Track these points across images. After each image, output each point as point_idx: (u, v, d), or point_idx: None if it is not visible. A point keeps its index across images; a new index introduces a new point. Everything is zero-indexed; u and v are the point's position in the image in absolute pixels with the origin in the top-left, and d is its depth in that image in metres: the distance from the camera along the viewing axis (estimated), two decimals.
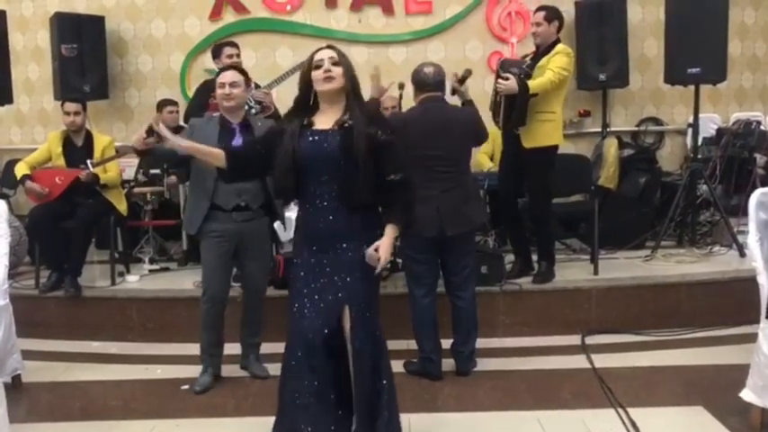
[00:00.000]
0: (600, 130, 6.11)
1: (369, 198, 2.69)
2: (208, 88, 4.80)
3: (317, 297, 2.69)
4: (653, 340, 4.28)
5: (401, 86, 4.83)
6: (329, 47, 2.81)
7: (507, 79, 4.26)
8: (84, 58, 6.07)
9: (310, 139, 2.71)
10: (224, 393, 3.65)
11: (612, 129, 6.18)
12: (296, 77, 2.95)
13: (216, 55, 5.05)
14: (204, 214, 3.65)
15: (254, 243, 3.74)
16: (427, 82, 3.78)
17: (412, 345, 3.89)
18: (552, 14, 4.53)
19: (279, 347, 2.89)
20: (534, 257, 4.76)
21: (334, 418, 2.68)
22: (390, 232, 2.68)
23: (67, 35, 6.00)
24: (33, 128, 6.69)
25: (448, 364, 3.85)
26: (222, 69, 3.87)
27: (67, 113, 4.88)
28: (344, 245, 2.71)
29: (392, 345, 4.06)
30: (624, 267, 4.96)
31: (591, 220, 4.95)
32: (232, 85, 3.66)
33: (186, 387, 3.78)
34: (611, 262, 5.08)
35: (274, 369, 3.25)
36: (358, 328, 2.66)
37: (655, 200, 5.86)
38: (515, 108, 4.32)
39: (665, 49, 5.44)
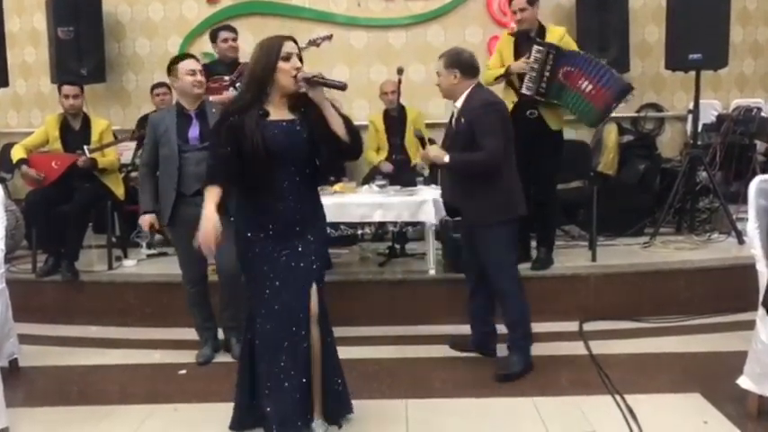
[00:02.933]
0: None
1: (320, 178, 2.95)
2: (207, 72, 4.78)
3: (277, 284, 2.79)
4: (651, 327, 4.28)
5: (400, 71, 4.80)
6: (290, 38, 2.79)
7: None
8: (81, 40, 6.02)
9: (276, 130, 2.73)
10: (221, 378, 3.64)
11: (612, 115, 6.12)
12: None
13: (213, 39, 5.03)
14: (172, 202, 3.70)
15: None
16: (476, 66, 3.62)
17: (408, 331, 3.89)
18: None
19: None
20: (532, 244, 4.75)
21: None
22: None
23: (64, 18, 5.94)
24: (30, 111, 6.65)
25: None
26: (180, 57, 3.84)
27: (66, 96, 4.85)
28: (306, 228, 2.83)
29: (393, 330, 4.11)
30: (623, 254, 4.96)
31: (590, 207, 4.93)
32: (202, 72, 3.77)
33: (183, 372, 3.78)
34: (610, 249, 5.08)
35: None
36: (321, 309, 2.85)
37: (654, 186, 5.84)
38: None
39: (666, 34, 5.40)
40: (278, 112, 2.78)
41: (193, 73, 3.72)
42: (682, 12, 5.16)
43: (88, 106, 5.29)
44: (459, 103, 3.48)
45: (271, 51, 2.73)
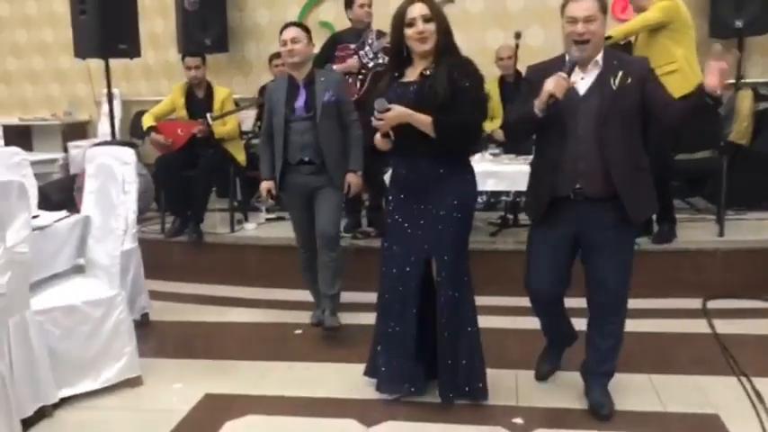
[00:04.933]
0: (734, 81, 5.67)
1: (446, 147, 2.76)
2: (334, 42, 4.85)
3: (408, 240, 2.87)
4: None
5: (518, 36, 4.67)
6: (421, 0, 2.76)
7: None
8: (206, 12, 6.27)
9: (397, 91, 2.79)
10: (334, 340, 3.74)
11: (748, 80, 5.72)
12: None
13: (349, 5, 4.99)
14: (280, 170, 3.76)
15: (321, 195, 3.73)
16: None
17: (522, 302, 3.83)
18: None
19: None
20: (653, 217, 4.54)
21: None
22: (421, 117, 2.71)
23: None
24: (159, 80, 7.02)
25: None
26: (285, 26, 3.80)
27: (188, 68, 5.07)
28: (431, 197, 2.81)
29: (505, 301, 4.06)
30: (754, 229, 4.66)
31: (719, 178, 4.65)
32: (293, 41, 3.67)
33: (300, 332, 3.92)
34: (740, 223, 4.78)
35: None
36: (445, 273, 2.83)
37: None
38: None
39: None
40: (411, 75, 2.83)
41: (284, 43, 3.69)
42: None
43: (212, 75, 5.50)
44: (599, 57, 2.66)
45: (397, 19, 2.78)
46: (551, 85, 2.50)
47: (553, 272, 2.82)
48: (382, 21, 5.21)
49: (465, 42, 6.17)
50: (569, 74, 2.52)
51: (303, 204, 3.80)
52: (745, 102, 5.49)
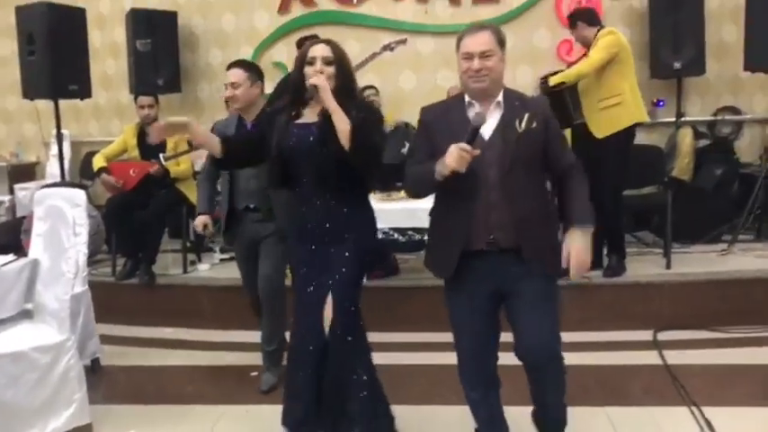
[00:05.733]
0: (674, 119, 5.90)
1: (351, 188, 2.72)
2: (287, 82, 4.87)
3: (311, 290, 2.77)
4: (729, 337, 4.13)
5: None
6: (326, 42, 2.75)
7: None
8: (158, 52, 6.25)
9: (295, 132, 2.73)
10: None
11: (687, 118, 5.96)
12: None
13: (299, 46, 5.05)
14: (226, 217, 3.62)
15: (266, 244, 3.54)
16: None
17: None
18: (572, 21, 4.72)
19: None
20: (604, 251, 4.66)
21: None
22: (343, 115, 2.63)
23: (142, 31, 6.19)
24: (110, 120, 6.94)
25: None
26: (228, 66, 3.58)
27: (141, 107, 5.05)
28: (332, 239, 2.74)
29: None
30: (699, 262, 4.80)
31: (664, 213, 4.80)
32: (233, 85, 3.46)
33: (255, 374, 3.86)
34: (685, 256, 4.92)
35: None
36: (340, 318, 2.71)
37: (732, 192, 5.63)
38: (556, 108, 4.30)
39: (744, 34, 5.21)
40: (310, 116, 2.75)
41: (226, 87, 3.51)
42: (761, 10, 4.98)
43: (164, 115, 5.47)
44: (500, 98, 2.49)
45: (300, 56, 2.75)
46: (453, 161, 2.25)
47: (481, 354, 2.59)
48: None
49: (416, 82, 6.36)
50: (472, 141, 2.26)
51: (249, 255, 3.62)
52: (685, 139, 5.72)
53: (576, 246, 2.37)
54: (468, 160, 2.25)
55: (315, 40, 2.80)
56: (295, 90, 2.77)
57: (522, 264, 2.42)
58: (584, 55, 4.64)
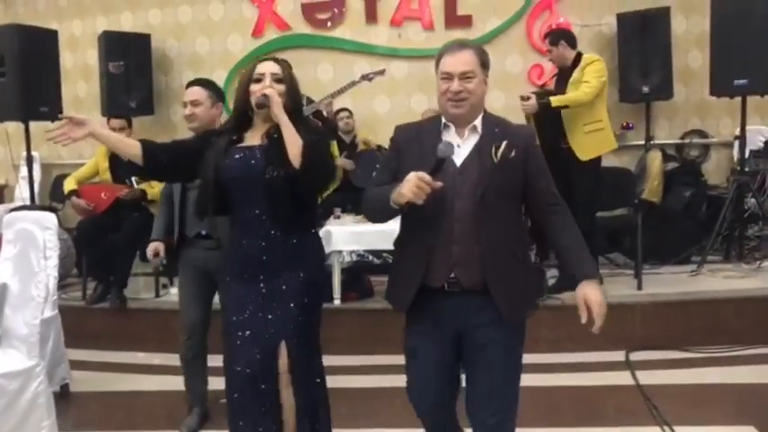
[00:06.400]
0: (643, 142, 6.02)
1: (299, 216, 2.49)
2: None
3: (248, 333, 2.51)
4: (700, 357, 4.18)
5: None
6: (273, 59, 2.59)
7: (528, 99, 4.48)
8: (131, 75, 6.23)
9: (236, 156, 2.51)
10: None
11: (656, 142, 6.08)
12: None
13: None
14: (176, 243, 3.45)
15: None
16: None
17: None
18: (555, 38, 4.75)
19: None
20: None
21: None
22: (293, 130, 2.44)
23: (114, 53, 6.17)
24: (81, 143, 6.82)
25: None
26: (187, 85, 3.39)
27: (113, 129, 4.98)
28: (277, 273, 2.50)
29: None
30: (669, 282, 4.87)
31: (634, 235, 4.87)
32: (193, 103, 3.27)
33: (223, 401, 3.81)
34: (656, 277, 5.00)
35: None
36: (296, 369, 2.48)
37: (700, 214, 5.75)
38: (545, 127, 4.36)
39: (710, 60, 5.34)
40: (253, 139, 2.55)
41: (184, 105, 3.33)
42: (726, 36, 5.11)
43: (137, 138, 5.42)
44: (477, 122, 2.31)
45: (245, 74, 2.57)
46: (409, 191, 2.03)
47: (434, 380, 2.32)
48: (311, 87, 5.38)
49: (390, 106, 6.40)
50: (435, 172, 2.05)
51: (196, 281, 3.42)
52: (655, 162, 5.82)
53: (597, 300, 2.22)
54: (426, 192, 2.03)
55: (262, 56, 2.64)
56: (239, 110, 2.59)
57: (488, 307, 2.19)
58: (556, 75, 4.74)
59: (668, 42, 5.83)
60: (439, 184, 2.05)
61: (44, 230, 3.31)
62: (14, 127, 6.02)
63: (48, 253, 3.26)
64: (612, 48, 5.92)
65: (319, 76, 6.24)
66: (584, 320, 2.21)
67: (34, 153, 5.96)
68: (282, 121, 2.43)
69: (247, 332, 2.51)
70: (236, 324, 2.54)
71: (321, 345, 2.66)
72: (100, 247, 4.89)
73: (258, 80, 2.51)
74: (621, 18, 5.90)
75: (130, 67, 6.22)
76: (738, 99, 5.29)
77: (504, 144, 2.20)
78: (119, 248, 4.85)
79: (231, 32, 6.46)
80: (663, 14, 5.81)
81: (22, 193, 6.50)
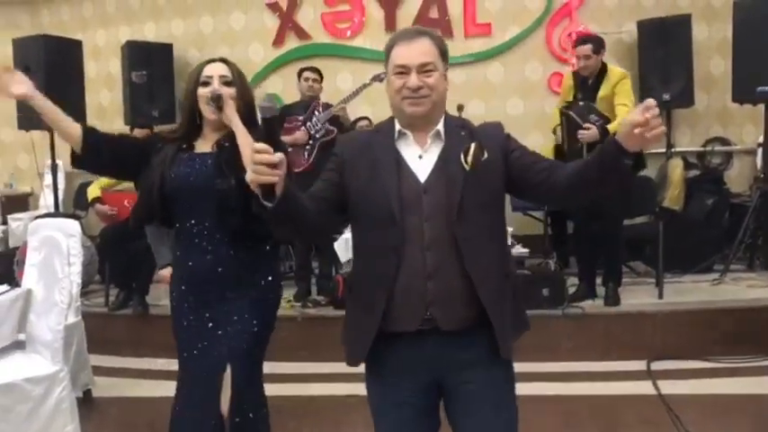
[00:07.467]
0: (664, 150, 5.97)
1: (252, 230, 2.20)
2: (283, 114, 5.00)
3: (195, 353, 2.37)
4: (723, 367, 4.13)
5: (460, 108, 4.83)
6: (222, 60, 2.43)
7: (589, 129, 4.38)
8: (153, 84, 6.31)
9: (185, 165, 2.34)
10: (277, 414, 3.68)
11: (677, 149, 6.04)
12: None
13: (299, 76, 5.24)
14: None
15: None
16: None
17: None
18: (598, 46, 4.63)
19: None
20: (597, 281, 4.68)
21: None
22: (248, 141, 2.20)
23: (137, 62, 6.25)
24: None
25: None
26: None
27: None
28: (227, 290, 2.33)
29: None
30: (691, 291, 4.83)
31: (656, 243, 4.83)
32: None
33: None
34: (677, 285, 4.95)
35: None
36: (241, 393, 2.31)
37: (723, 222, 5.68)
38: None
39: (732, 66, 5.30)
40: (203, 147, 2.39)
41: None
42: (749, 43, 5.08)
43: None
44: (440, 126, 1.89)
45: (191, 77, 2.40)
46: (251, 171, 1.58)
47: None
48: (331, 96, 5.41)
49: (382, 116, 6.39)
50: (269, 138, 1.65)
51: None
52: (676, 170, 5.77)
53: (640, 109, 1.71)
54: (267, 169, 1.54)
55: (211, 59, 2.45)
56: (186, 117, 2.42)
57: (472, 347, 1.78)
58: (577, 83, 4.69)
59: (689, 49, 5.78)
60: (277, 157, 1.54)
61: (68, 237, 3.37)
62: (39, 135, 6.11)
63: (71, 260, 3.31)
64: (633, 55, 5.89)
65: (339, 85, 6.27)
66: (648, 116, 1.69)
67: (59, 161, 6.03)
68: (236, 124, 2.28)
69: (194, 351, 2.38)
70: (187, 360, 2.42)
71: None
72: (122, 254, 4.94)
73: (206, 83, 2.35)
74: (642, 25, 5.87)
75: (153, 77, 6.30)
76: (761, 106, 5.24)
77: (473, 145, 1.77)
78: (141, 255, 4.88)
79: (252, 42, 6.52)
80: (684, 21, 5.76)
81: (46, 200, 6.60)
